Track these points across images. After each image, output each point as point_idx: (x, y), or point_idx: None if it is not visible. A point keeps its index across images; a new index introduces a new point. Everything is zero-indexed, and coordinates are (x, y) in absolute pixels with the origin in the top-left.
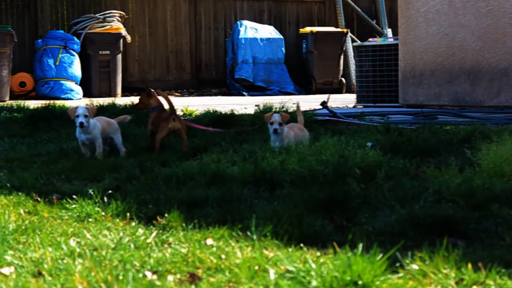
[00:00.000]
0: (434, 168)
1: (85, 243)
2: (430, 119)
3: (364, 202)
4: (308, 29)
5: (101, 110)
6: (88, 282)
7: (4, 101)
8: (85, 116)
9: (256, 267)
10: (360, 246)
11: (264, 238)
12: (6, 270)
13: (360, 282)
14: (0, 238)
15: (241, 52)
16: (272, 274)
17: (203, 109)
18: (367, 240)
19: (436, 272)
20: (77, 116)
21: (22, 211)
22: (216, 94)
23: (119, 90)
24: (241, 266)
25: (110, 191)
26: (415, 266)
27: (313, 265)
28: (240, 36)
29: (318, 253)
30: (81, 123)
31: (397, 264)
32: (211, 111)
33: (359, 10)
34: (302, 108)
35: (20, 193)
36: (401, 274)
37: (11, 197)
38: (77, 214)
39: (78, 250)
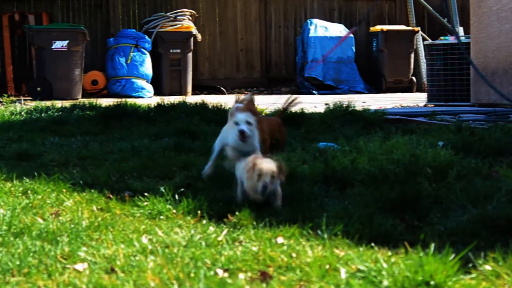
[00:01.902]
0: (506, 168)
1: (157, 240)
2: (502, 119)
3: (436, 201)
4: (378, 27)
5: (172, 108)
6: (160, 279)
7: (77, 99)
8: (248, 123)
9: (327, 266)
10: (432, 246)
11: (334, 237)
12: (79, 266)
13: (432, 283)
14: (73, 234)
15: (311, 50)
16: (343, 273)
17: (273, 107)
18: (439, 240)
19: (509, 273)
20: (237, 123)
21: (94, 208)
22: (286, 93)
23: (189, 88)
24: (312, 265)
25: (181, 189)
26: (488, 267)
27: (385, 265)
28: (310, 35)
29: (389, 253)
30: (242, 132)
31: (470, 265)
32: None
33: (430, 8)
34: (372, 107)
35: (92, 190)
36: (473, 275)
37: (84, 194)
38: (149, 211)
39: (150, 247)
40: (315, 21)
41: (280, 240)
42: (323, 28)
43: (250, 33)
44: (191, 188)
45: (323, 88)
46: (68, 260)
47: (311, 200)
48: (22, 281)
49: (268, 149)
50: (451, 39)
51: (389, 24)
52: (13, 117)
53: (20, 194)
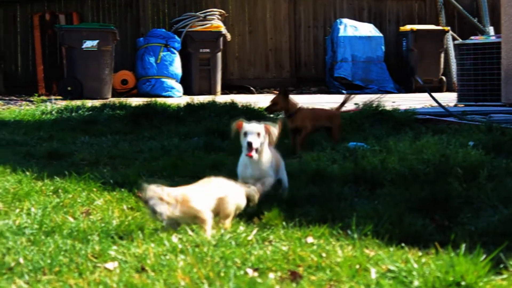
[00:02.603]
0: None
1: (187, 240)
2: None
3: (466, 202)
4: (408, 27)
5: (201, 108)
6: (190, 278)
7: (107, 98)
8: (258, 135)
9: (357, 266)
10: (463, 246)
11: (364, 237)
12: (110, 265)
13: (463, 283)
14: (104, 233)
15: (340, 50)
16: (373, 273)
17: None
18: (469, 240)
19: None
20: (245, 133)
21: (125, 207)
22: (315, 92)
23: (218, 88)
24: (342, 265)
25: None
26: None
27: (415, 265)
28: (339, 34)
29: (420, 253)
30: (250, 144)
31: (501, 265)
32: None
33: (461, 7)
34: (402, 107)
35: (123, 190)
36: (505, 276)
37: (114, 193)
38: None
39: (180, 246)
40: (345, 20)
41: (310, 239)
42: (352, 28)
43: (279, 32)
44: None
45: (352, 88)
46: (99, 259)
47: (341, 200)
48: (54, 279)
49: (306, 135)
50: (476, 39)
51: (419, 23)
52: (44, 116)
53: (51, 193)
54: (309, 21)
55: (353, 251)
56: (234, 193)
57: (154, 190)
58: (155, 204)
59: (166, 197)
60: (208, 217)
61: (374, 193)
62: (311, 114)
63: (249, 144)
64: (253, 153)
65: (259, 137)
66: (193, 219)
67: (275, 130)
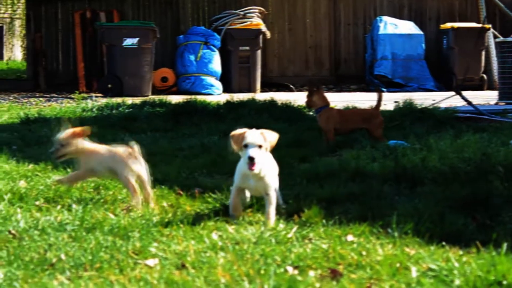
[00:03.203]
0: None
1: (227, 237)
2: None
3: (508, 201)
4: (449, 24)
5: (241, 105)
6: (231, 275)
7: (147, 96)
8: (259, 147)
9: (398, 265)
10: (505, 245)
11: (405, 236)
12: (151, 262)
13: (504, 282)
14: (144, 230)
15: (380, 48)
16: (414, 272)
17: (342, 105)
18: (511, 239)
19: None
20: (246, 145)
21: (165, 204)
22: (354, 90)
23: (258, 85)
24: (382, 263)
25: None
26: None
27: (456, 264)
28: (379, 32)
29: (461, 252)
30: (252, 159)
31: None
32: (350, 107)
33: (502, 5)
34: (443, 105)
35: (163, 187)
36: None
37: (155, 190)
38: (219, 208)
39: (220, 243)
40: (385, 18)
41: (350, 238)
42: (392, 26)
43: (319, 30)
44: None
45: (392, 86)
46: (140, 256)
47: (381, 198)
48: (95, 275)
49: (331, 137)
50: None
51: (460, 21)
52: (84, 113)
53: (91, 190)
54: (349, 19)
55: (393, 249)
56: None
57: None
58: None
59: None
60: None
61: (414, 191)
62: (337, 116)
63: (251, 159)
64: (255, 168)
65: (260, 149)
66: None
67: (272, 138)
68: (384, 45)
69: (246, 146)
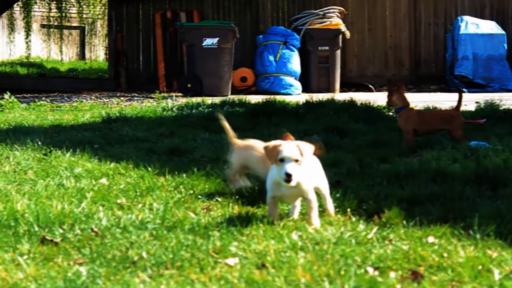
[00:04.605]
0: None
1: (307, 237)
2: None
3: None
4: None
5: (320, 105)
6: (311, 275)
7: (226, 95)
8: (296, 161)
9: (480, 267)
10: None
11: (487, 238)
12: (231, 261)
13: None
14: (225, 229)
15: (461, 48)
16: (496, 275)
17: (422, 105)
18: None
19: None
20: (282, 160)
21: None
22: (435, 91)
23: (337, 85)
24: (464, 265)
25: (330, 186)
26: None
27: None
28: (460, 32)
29: None
30: (289, 176)
31: None
32: (430, 108)
33: None
34: None
35: None
36: None
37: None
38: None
39: (300, 243)
40: (466, 18)
41: (430, 239)
42: (474, 25)
43: (399, 30)
44: (340, 186)
45: (473, 86)
46: (220, 255)
47: (462, 199)
48: (176, 274)
49: (410, 138)
50: None
51: None
52: (164, 113)
53: (172, 189)
54: (430, 18)
55: (475, 251)
56: None
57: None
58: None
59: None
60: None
61: (496, 193)
62: (417, 117)
63: (288, 175)
64: (293, 182)
65: (297, 163)
66: None
67: (308, 151)
68: (465, 45)
69: (282, 160)
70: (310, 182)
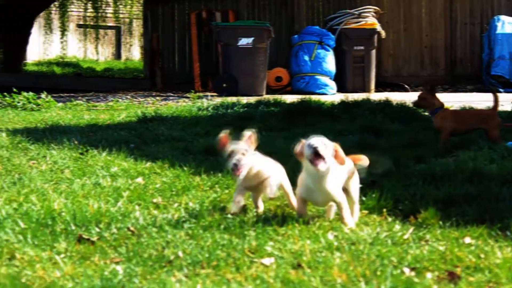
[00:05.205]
0: None
1: (343, 237)
2: None
3: None
4: None
5: (356, 105)
6: (347, 276)
7: (261, 95)
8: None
9: None
10: None
11: None
12: (267, 261)
13: None
14: (260, 229)
15: (497, 48)
16: None
17: (458, 105)
18: None
19: None
20: (315, 156)
21: (281, 203)
22: (471, 91)
23: (372, 85)
24: (501, 266)
25: (366, 187)
26: None
27: None
28: (497, 32)
29: None
30: (317, 153)
31: None
32: (466, 108)
33: None
34: None
35: None
36: None
37: None
38: None
39: (335, 243)
40: (503, 17)
41: (467, 240)
42: (510, 25)
43: (435, 29)
44: (376, 186)
45: (510, 87)
46: (256, 254)
47: (499, 200)
48: (211, 273)
49: (446, 138)
50: None
51: None
52: (200, 112)
53: (208, 188)
54: (466, 18)
55: None
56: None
57: (240, 145)
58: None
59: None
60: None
61: None
62: (453, 116)
63: (316, 153)
64: (321, 165)
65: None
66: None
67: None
68: (501, 44)
69: (313, 150)
70: (338, 186)
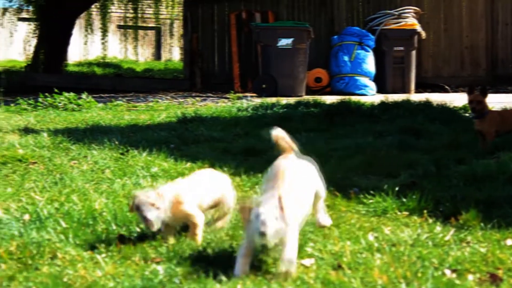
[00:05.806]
0: None
1: (383, 238)
2: None
3: None
4: None
5: (395, 106)
6: (388, 277)
7: (301, 96)
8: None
9: None
10: None
11: None
12: (307, 262)
13: None
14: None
15: None
16: None
17: (499, 106)
18: None
19: None
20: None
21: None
22: None
23: (412, 86)
24: None
25: (406, 187)
26: None
27: None
28: None
29: None
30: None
31: None
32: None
33: None
34: None
35: None
36: None
37: None
38: (374, 209)
39: (376, 245)
40: None
41: (509, 242)
42: None
43: (475, 30)
44: (416, 187)
45: None
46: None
47: None
48: (252, 273)
49: (491, 139)
50: None
51: None
52: (239, 113)
53: (248, 189)
54: (507, 18)
55: None
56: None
57: (145, 196)
58: (146, 210)
59: (158, 203)
60: (199, 221)
61: None
62: (499, 119)
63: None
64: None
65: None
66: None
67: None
68: None
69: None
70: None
